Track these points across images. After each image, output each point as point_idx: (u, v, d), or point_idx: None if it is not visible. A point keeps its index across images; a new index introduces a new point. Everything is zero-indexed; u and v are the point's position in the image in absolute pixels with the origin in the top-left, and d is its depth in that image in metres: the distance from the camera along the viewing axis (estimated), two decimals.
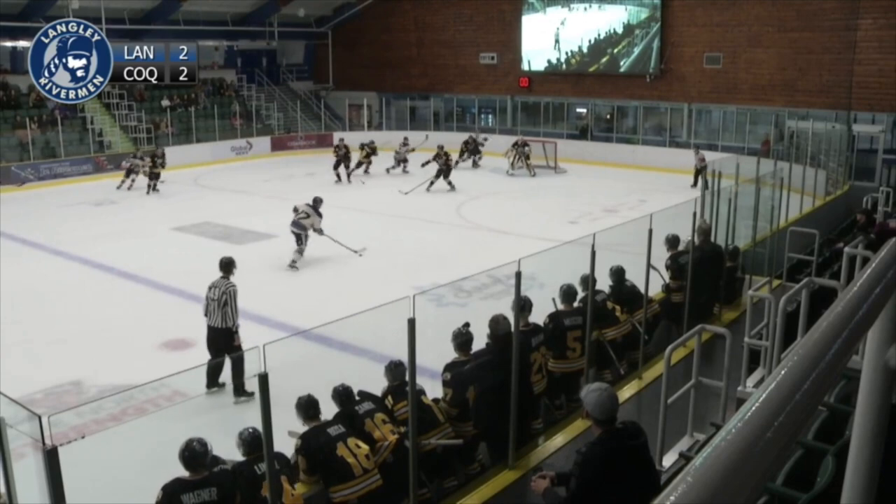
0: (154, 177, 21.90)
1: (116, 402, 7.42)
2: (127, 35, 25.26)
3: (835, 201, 17.78)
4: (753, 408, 0.92)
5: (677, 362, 6.67)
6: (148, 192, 21.66)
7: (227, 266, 8.44)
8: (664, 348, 5.74)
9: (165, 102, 29.06)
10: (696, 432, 5.87)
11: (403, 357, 5.18)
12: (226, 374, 8.01)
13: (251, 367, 3.96)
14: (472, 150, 26.28)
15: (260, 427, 4.29)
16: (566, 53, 29.05)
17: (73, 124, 26.58)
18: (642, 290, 7.93)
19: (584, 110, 30.00)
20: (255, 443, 4.93)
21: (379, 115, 33.80)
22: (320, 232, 13.97)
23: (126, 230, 16.96)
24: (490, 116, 32.44)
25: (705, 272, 8.58)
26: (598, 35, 28.11)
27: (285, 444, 5.27)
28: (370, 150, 24.40)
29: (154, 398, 7.28)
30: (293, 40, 34.65)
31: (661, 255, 8.83)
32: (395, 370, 6.06)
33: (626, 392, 7.08)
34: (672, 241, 9.03)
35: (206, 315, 8.25)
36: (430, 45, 32.43)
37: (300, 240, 13.90)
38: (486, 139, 26.61)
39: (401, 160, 24.98)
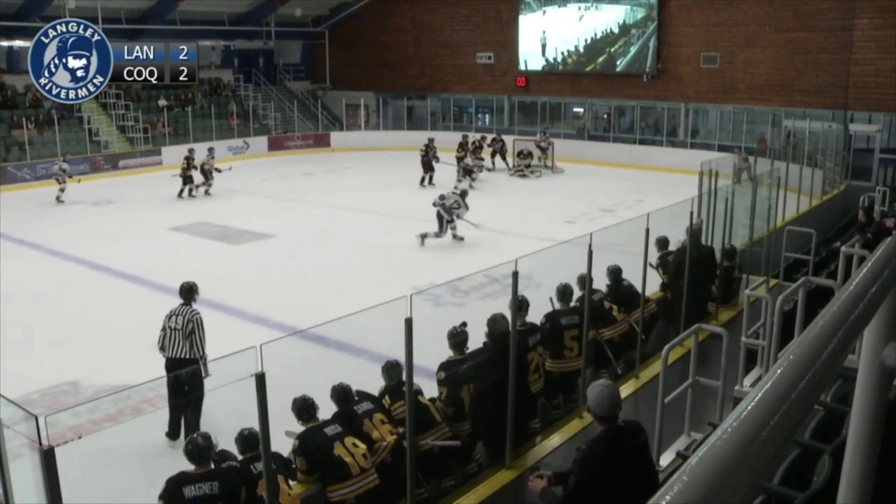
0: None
1: (113, 402, 7.41)
2: (124, 35, 25.22)
3: (832, 201, 17.80)
4: (749, 407, 0.92)
5: (674, 362, 6.68)
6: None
7: (189, 292, 7.60)
8: (661, 348, 5.75)
9: (162, 102, 29.00)
10: (694, 432, 5.87)
11: (400, 357, 5.18)
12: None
13: (249, 368, 3.96)
14: (500, 149, 25.87)
15: (257, 427, 4.29)
16: (563, 53, 29.06)
17: (69, 124, 26.54)
18: (639, 289, 7.94)
19: (581, 110, 30.02)
20: (252, 442, 4.93)
21: (376, 115, 33.79)
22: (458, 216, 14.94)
23: (123, 230, 16.93)
24: (487, 116, 32.44)
25: (699, 272, 8.58)
26: (595, 35, 28.13)
27: (282, 444, 5.26)
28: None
29: (150, 398, 7.27)
30: (290, 40, 34.62)
31: (654, 256, 8.85)
32: (392, 370, 6.06)
33: (623, 391, 7.06)
34: (662, 243, 9.05)
35: (162, 348, 7.38)
36: (427, 45, 32.43)
37: (442, 225, 14.83)
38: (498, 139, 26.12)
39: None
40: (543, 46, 29.14)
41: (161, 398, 7.19)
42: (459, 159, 23.25)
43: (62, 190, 20.84)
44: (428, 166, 22.78)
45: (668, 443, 5.57)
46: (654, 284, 8.68)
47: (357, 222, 17.35)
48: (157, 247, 15.39)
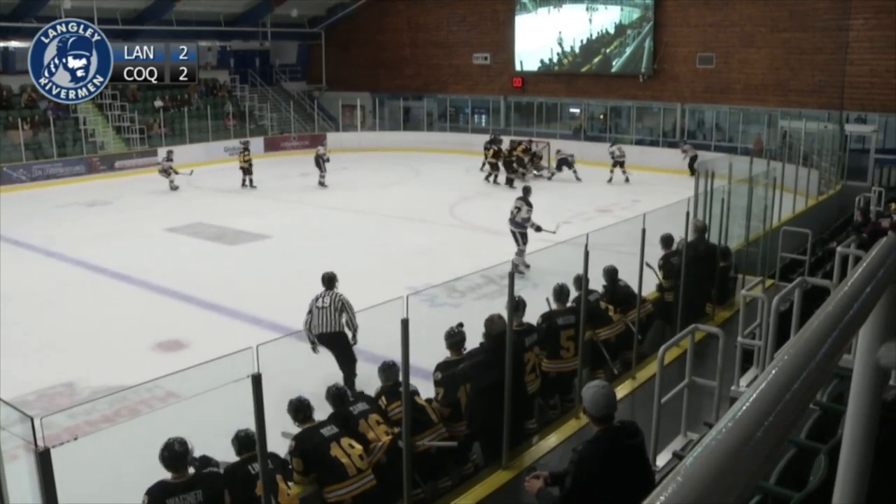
0: (246, 171, 22.86)
1: (109, 403, 7.40)
2: (120, 35, 25.17)
3: (827, 201, 17.83)
4: (744, 407, 0.92)
5: (671, 362, 6.68)
6: (243, 186, 22.81)
7: (331, 280, 8.56)
8: (658, 348, 5.75)
9: (158, 103, 28.97)
10: (690, 432, 5.88)
11: (397, 358, 5.18)
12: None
13: (245, 369, 3.96)
14: (498, 150, 24.88)
15: (254, 427, 4.29)
16: (559, 54, 29.08)
17: (65, 125, 26.48)
18: (636, 290, 7.95)
19: (577, 110, 30.04)
20: (249, 443, 4.92)
21: (372, 116, 33.79)
22: (533, 226, 12.84)
23: (119, 231, 16.91)
24: (484, 117, 32.46)
25: (699, 271, 8.59)
26: (591, 35, 28.16)
27: (279, 445, 5.26)
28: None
29: (147, 399, 7.26)
30: (286, 41, 34.60)
31: (655, 255, 8.85)
32: (388, 371, 6.07)
33: (619, 392, 7.07)
34: (666, 241, 9.04)
35: (310, 329, 8.20)
36: (423, 45, 32.43)
37: (518, 239, 12.93)
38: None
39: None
40: (560, 42, 28.91)
41: (158, 399, 7.18)
42: (493, 164, 23.60)
43: (172, 179, 22.12)
44: (494, 165, 23.17)
45: (664, 443, 5.57)
46: (650, 285, 8.68)
47: (353, 223, 17.34)
48: (154, 247, 15.37)
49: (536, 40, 29.28)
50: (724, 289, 9.63)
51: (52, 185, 23.53)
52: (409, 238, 15.92)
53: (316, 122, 32.97)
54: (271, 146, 30.68)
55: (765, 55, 24.52)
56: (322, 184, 22.71)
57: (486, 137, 26.35)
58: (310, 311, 8.35)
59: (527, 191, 13.65)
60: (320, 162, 22.82)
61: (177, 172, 22.34)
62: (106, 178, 24.64)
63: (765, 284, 9.64)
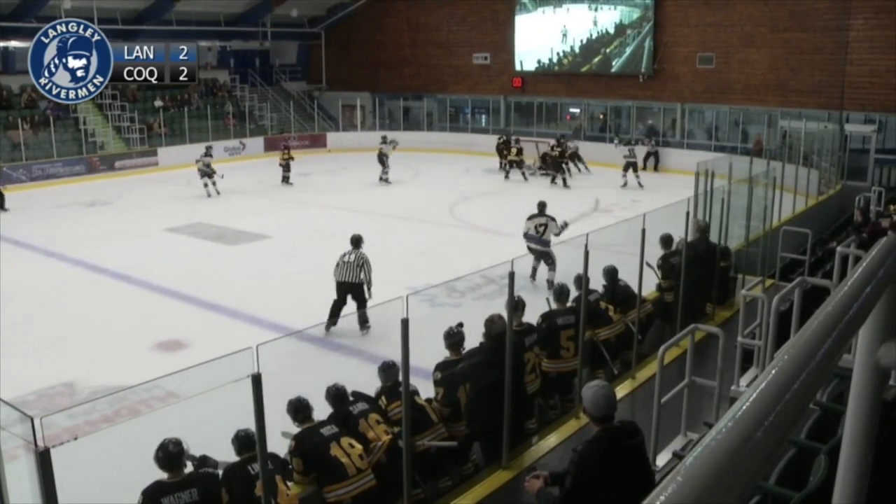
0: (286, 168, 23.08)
1: (109, 403, 7.40)
2: (119, 35, 25.16)
3: (827, 201, 17.83)
4: (744, 407, 0.93)
5: (671, 362, 6.68)
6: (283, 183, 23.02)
7: (358, 241, 10.72)
8: (658, 348, 5.75)
9: (158, 103, 28.97)
10: (690, 431, 5.88)
11: (397, 357, 5.18)
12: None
13: (245, 369, 3.96)
14: (571, 155, 24.85)
15: (253, 427, 4.29)
16: (559, 54, 29.07)
17: (65, 125, 26.50)
18: (636, 290, 7.95)
19: (577, 110, 30.04)
20: (249, 443, 4.92)
21: (372, 116, 33.78)
22: (565, 227, 12.02)
23: (119, 231, 16.91)
24: (484, 116, 32.46)
25: (699, 271, 8.59)
26: (591, 35, 28.15)
27: (279, 444, 5.26)
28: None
29: (147, 399, 7.26)
30: (286, 41, 34.60)
31: (655, 255, 8.85)
32: (388, 371, 6.07)
33: (619, 392, 7.07)
34: (666, 241, 9.05)
35: (336, 275, 10.44)
36: (423, 45, 32.42)
37: (550, 257, 11.74)
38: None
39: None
40: (563, 39, 28.83)
41: (158, 399, 7.18)
42: (513, 163, 23.93)
43: (207, 185, 21.00)
44: (558, 166, 23.31)
45: (664, 443, 5.57)
46: (650, 285, 8.69)
47: (353, 223, 17.28)
48: (154, 247, 15.37)
49: (536, 40, 29.28)
50: (724, 289, 9.63)
51: (52, 185, 23.53)
52: (409, 238, 15.91)
53: (316, 122, 32.99)
54: (271, 146, 30.64)
55: (765, 55, 24.53)
56: (385, 180, 23.00)
57: (489, 138, 26.49)
58: (338, 264, 10.48)
59: (544, 206, 12.62)
60: (383, 159, 23.18)
61: (215, 172, 21.08)
62: (106, 178, 24.64)
63: (765, 284, 9.64)
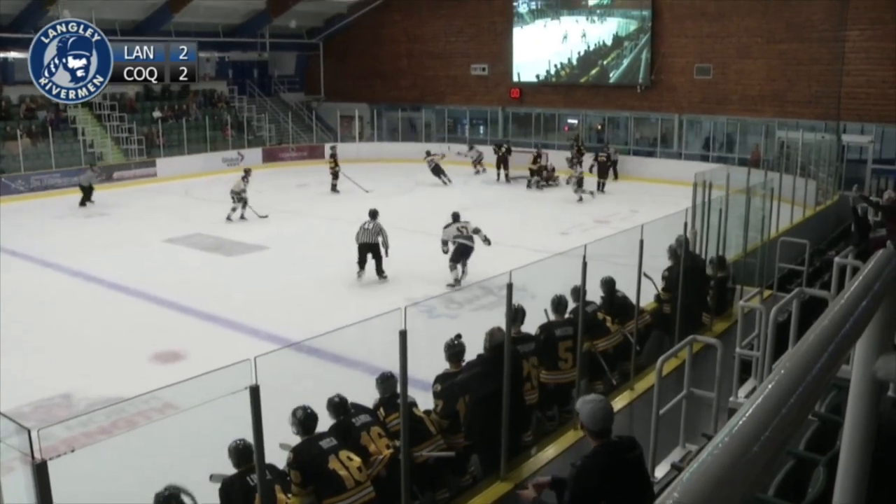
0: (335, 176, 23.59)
1: (106, 415, 7.38)
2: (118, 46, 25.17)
3: (825, 211, 17.86)
4: (742, 419, 0.93)
5: (669, 373, 6.68)
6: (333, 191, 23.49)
7: (375, 213, 13.66)
8: (656, 359, 5.75)
9: (157, 114, 28.97)
10: (689, 443, 5.88)
11: (395, 369, 5.17)
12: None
13: (243, 380, 3.95)
14: (504, 157, 26.14)
15: (250, 439, 4.27)
16: (556, 66, 29.15)
17: (64, 135, 26.51)
18: (634, 301, 7.95)
19: (575, 121, 30.10)
20: (247, 454, 4.90)
21: (370, 127, 33.82)
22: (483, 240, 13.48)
23: (117, 241, 16.90)
24: (482, 127, 32.52)
25: (690, 283, 8.59)
26: (589, 47, 28.23)
27: (277, 457, 5.24)
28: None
29: (145, 411, 7.23)
30: (284, 51, 34.68)
31: (653, 266, 8.84)
32: (386, 382, 6.05)
33: (618, 403, 7.08)
34: (675, 252, 8.99)
35: (359, 238, 13.48)
36: (420, 56, 32.51)
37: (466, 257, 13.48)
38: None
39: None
40: (565, 50, 28.88)
41: (156, 411, 7.16)
42: (533, 172, 24.49)
43: (235, 209, 19.21)
44: (539, 171, 24.58)
45: (662, 454, 5.56)
46: (648, 295, 8.69)
47: (351, 233, 17.30)
48: (152, 258, 15.35)
49: (534, 52, 29.33)
50: (722, 299, 9.63)
51: (51, 196, 23.48)
52: (407, 249, 15.92)
53: (314, 132, 33.03)
54: (269, 157, 30.71)
55: (761, 66, 24.63)
56: (446, 182, 24.49)
57: (488, 149, 26.73)
58: (359, 230, 13.52)
59: (457, 215, 13.83)
60: (438, 171, 24.49)
61: (245, 199, 19.19)
62: (104, 189, 24.56)
63: (763, 295, 9.64)
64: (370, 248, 13.42)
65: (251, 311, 11.65)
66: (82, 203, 21.61)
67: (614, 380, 7.72)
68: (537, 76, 29.52)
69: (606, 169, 24.40)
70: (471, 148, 27.68)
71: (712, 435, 5.26)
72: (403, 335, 4.73)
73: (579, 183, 22.14)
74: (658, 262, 9.02)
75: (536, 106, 30.33)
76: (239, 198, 19.19)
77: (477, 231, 13.51)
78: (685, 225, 8.87)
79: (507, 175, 25.94)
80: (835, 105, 22.27)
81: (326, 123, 34.03)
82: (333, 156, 24.37)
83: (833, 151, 21.08)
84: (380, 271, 13.49)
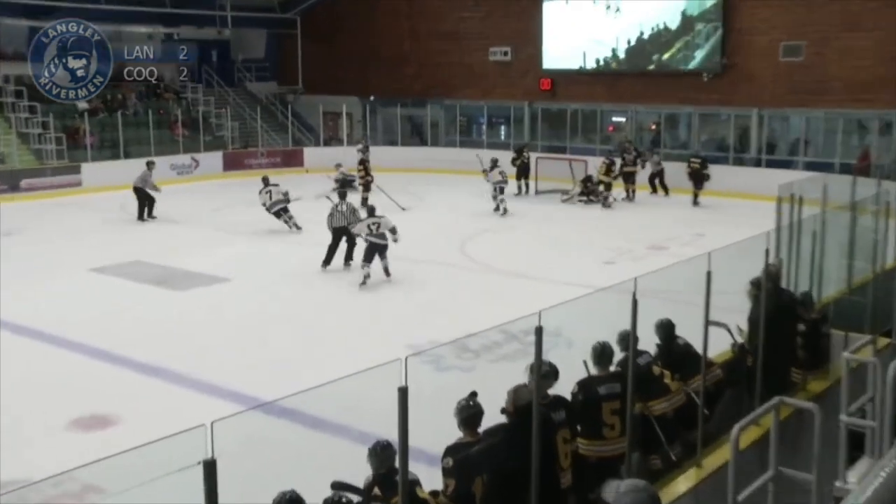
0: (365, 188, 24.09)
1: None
2: (39, 11, 24.45)
3: None
4: None
5: (748, 446, 6.62)
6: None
7: (344, 186, 17.25)
8: (730, 427, 5.70)
9: (83, 105, 27.50)
10: None
11: (392, 437, 5.14)
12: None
13: (195, 454, 3.92)
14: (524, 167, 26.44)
15: None
16: (600, 48, 29.13)
17: None
18: (699, 350, 7.90)
19: (622, 120, 30.12)
20: None
21: (362, 126, 33.80)
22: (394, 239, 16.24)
23: (29, 271, 16.80)
24: (503, 128, 32.64)
25: (777, 328, 8.54)
26: (642, 27, 28.30)
27: None
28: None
29: (56, 497, 7.16)
30: (251, 28, 34.96)
31: (726, 306, 8.78)
32: (381, 454, 6.00)
33: (680, 485, 7.01)
34: (757, 286, 8.90)
35: (331, 223, 16.75)
36: (426, 37, 32.69)
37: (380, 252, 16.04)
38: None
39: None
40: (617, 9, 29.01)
41: (72, 496, 7.11)
42: (601, 184, 24.81)
43: (286, 221, 21.06)
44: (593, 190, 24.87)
45: None
46: (718, 343, 8.62)
47: (337, 263, 17.37)
48: (75, 293, 15.34)
49: (570, 32, 29.40)
50: (817, 350, 9.56)
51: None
52: (410, 283, 15.93)
53: (290, 133, 33.22)
54: (232, 164, 30.79)
55: (876, 40, 24.03)
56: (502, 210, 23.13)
57: (510, 155, 26.81)
58: (331, 214, 16.82)
59: (373, 209, 16.83)
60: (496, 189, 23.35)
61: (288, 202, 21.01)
62: (8, 202, 24.34)
63: (876, 345, 9.56)
64: (344, 232, 16.28)
65: (206, 362, 11.62)
66: None
67: (675, 454, 7.66)
68: (575, 58, 29.58)
69: (702, 178, 24.70)
70: (492, 167, 24.03)
71: None
72: (404, 393, 4.71)
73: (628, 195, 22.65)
74: (730, 301, 8.96)
75: (572, 101, 30.37)
76: (286, 199, 20.89)
77: (393, 231, 15.90)
78: (766, 252, 8.82)
79: (527, 186, 26.14)
80: None
81: (306, 122, 34.23)
82: (363, 161, 24.50)
83: None
84: (349, 258, 16.48)
